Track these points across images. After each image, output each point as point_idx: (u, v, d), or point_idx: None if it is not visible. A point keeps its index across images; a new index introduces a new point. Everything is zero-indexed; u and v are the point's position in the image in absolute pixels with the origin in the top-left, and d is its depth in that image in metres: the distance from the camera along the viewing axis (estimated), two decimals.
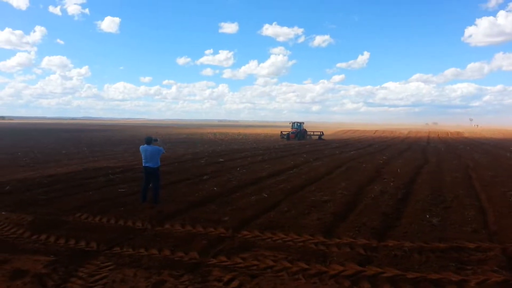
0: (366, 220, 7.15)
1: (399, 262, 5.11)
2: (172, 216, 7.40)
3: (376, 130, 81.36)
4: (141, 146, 8.55)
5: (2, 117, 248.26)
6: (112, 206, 8.16)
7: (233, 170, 14.37)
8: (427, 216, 7.62)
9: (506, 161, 18.81)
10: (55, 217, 7.26)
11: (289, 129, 43.36)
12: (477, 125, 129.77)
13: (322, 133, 45.09)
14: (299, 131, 41.33)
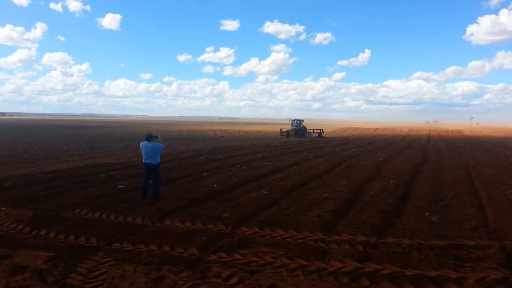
0: (366, 217, 7.16)
1: (398, 259, 5.11)
2: (172, 212, 7.42)
3: (376, 128, 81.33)
4: (141, 143, 8.55)
5: (3, 113, 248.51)
6: (112, 202, 8.18)
7: (233, 167, 14.38)
8: (427, 213, 7.62)
9: (506, 160, 18.77)
10: (55, 213, 7.27)
11: (289, 127, 43.17)
12: (478, 124, 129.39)
13: (322, 130, 44.97)
14: (298, 129, 41.07)
